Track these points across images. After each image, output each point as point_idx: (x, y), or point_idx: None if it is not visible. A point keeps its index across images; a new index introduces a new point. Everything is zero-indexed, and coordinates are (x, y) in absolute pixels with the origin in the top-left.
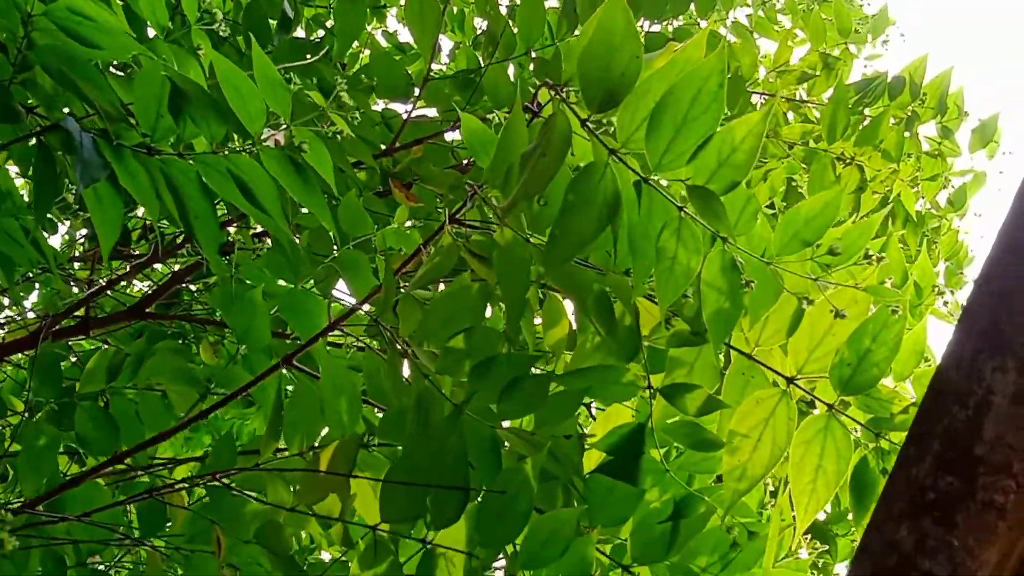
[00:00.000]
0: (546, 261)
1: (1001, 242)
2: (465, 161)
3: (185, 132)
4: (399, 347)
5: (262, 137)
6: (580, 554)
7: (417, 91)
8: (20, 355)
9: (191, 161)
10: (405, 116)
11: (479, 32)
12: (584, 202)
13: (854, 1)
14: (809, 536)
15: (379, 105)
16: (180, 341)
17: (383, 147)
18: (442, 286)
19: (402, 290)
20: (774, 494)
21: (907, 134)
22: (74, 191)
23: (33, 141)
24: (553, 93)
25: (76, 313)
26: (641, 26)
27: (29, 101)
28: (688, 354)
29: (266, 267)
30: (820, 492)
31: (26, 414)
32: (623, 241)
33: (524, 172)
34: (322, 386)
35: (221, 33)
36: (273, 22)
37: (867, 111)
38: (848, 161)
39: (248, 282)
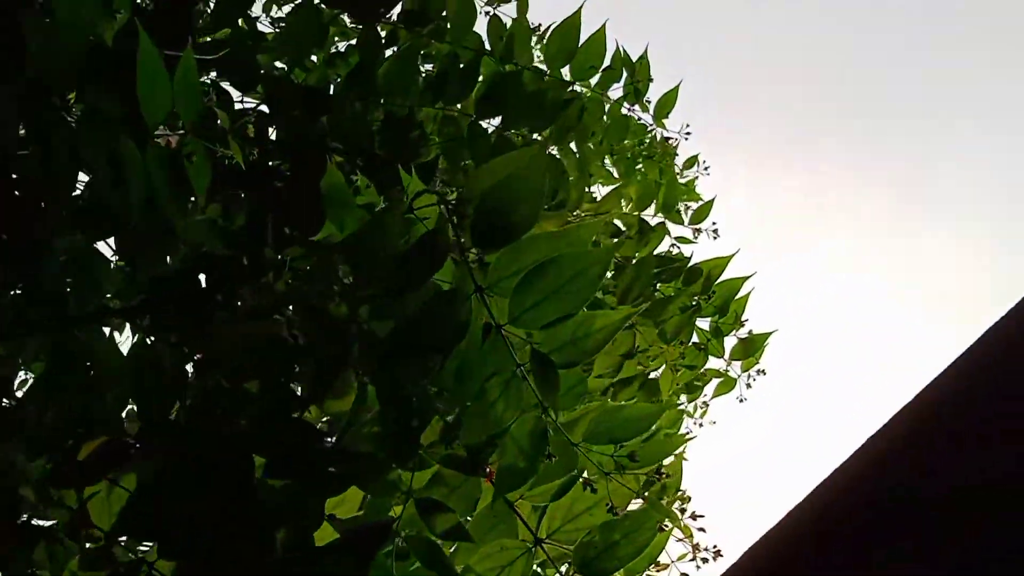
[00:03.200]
0: (382, 360)
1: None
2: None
3: (87, 94)
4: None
5: (156, 132)
6: None
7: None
8: None
9: (77, 113)
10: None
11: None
12: (435, 321)
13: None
14: None
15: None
16: None
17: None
18: None
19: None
20: None
21: (684, 314)
22: None
23: None
24: (446, 210)
25: None
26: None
27: None
28: (455, 478)
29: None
30: None
31: None
32: (452, 364)
33: (398, 272)
34: (95, 369)
35: None
36: None
37: (659, 285)
38: (627, 327)
39: None
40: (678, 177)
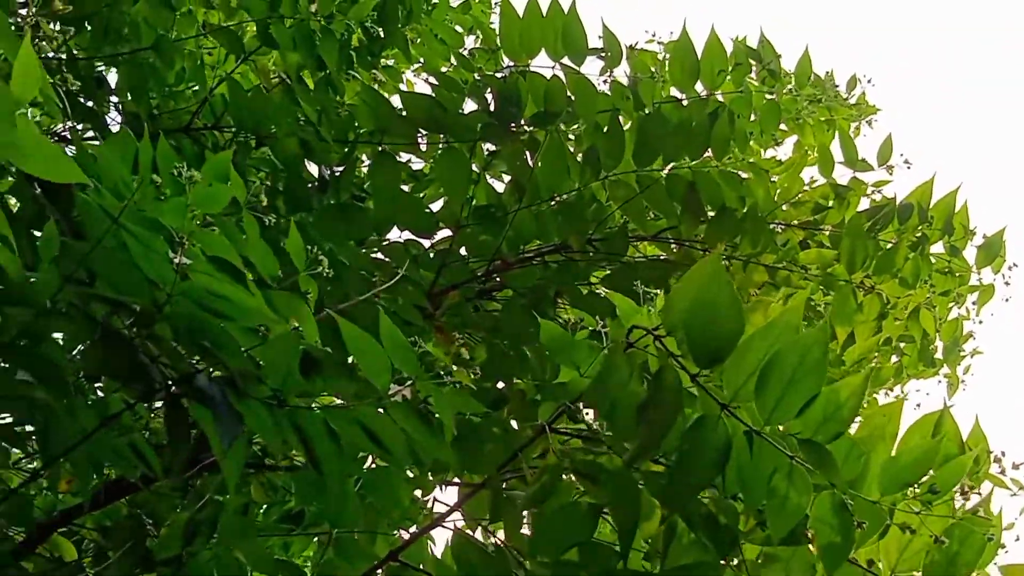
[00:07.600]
0: (667, 502)
1: None
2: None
3: (315, 388)
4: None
5: (389, 392)
6: None
7: (448, 232)
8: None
9: (318, 410)
10: (440, 262)
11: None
12: (699, 450)
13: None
14: None
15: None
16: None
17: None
18: None
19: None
20: None
21: (915, 253)
22: None
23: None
24: (659, 345)
25: None
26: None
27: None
28: (784, 551)
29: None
30: None
31: None
32: (732, 474)
33: (642, 425)
34: None
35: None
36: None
37: (879, 237)
38: (868, 290)
39: None
40: (845, 99)
